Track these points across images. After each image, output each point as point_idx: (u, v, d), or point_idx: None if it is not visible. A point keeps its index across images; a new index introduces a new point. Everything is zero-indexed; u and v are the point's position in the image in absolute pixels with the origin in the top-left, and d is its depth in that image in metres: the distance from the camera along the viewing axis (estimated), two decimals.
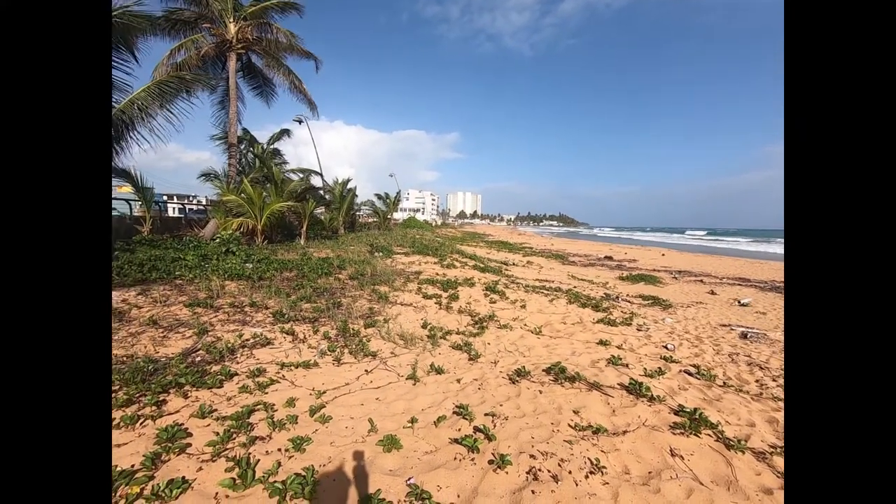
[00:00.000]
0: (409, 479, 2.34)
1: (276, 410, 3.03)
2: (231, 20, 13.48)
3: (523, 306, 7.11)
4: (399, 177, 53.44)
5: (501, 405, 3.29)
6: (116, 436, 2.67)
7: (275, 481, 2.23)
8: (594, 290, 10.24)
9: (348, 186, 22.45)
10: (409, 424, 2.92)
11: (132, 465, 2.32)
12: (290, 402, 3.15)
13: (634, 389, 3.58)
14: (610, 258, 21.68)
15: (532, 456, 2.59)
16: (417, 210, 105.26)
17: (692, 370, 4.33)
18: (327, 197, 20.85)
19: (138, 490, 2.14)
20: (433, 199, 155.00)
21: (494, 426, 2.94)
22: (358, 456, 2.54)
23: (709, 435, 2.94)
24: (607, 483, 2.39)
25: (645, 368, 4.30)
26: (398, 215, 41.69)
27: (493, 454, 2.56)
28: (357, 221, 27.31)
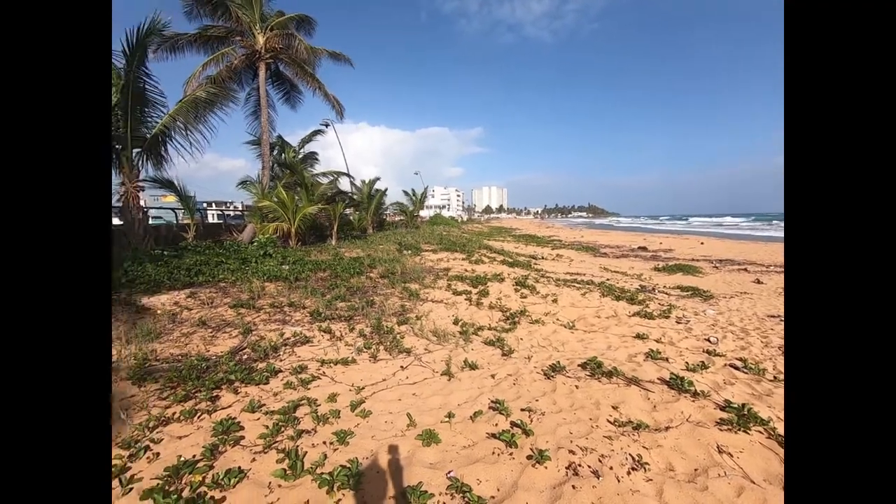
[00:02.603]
0: (450, 472, 2.40)
1: (320, 405, 3.17)
2: (259, 31, 14.01)
3: (555, 300, 7.02)
4: (423, 174, 53.82)
5: (537, 400, 3.28)
6: (177, 428, 2.89)
7: (322, 473, 2.35)
8: (628, 282, 9.93)
9: (376, 186, 22.85)
10: (447, 419, 2.97)
11: (193, 456, 2.51)
12: (332, 398, 3.29)
13: (676, 384, 3.47)
14: (644, 248, 20.90)
15: (571, 451, 2.58)
16: (443, 207, 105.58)
17: (738, 364, 4.13)
18: (356, 198, 21.31)
19: (201, 478, 2.32)
20: (458, 195, 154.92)
21: (531, 421, 2.94)
22: (399, 449, 2.62)
23: (759, 431, 2.81)
24: (651, 480, 2.34)
25: (687, 363, 4.15)
26: (424, 213, 42.00)
27: (531, 449, 2.57)
28: (385, 220, 27.76)
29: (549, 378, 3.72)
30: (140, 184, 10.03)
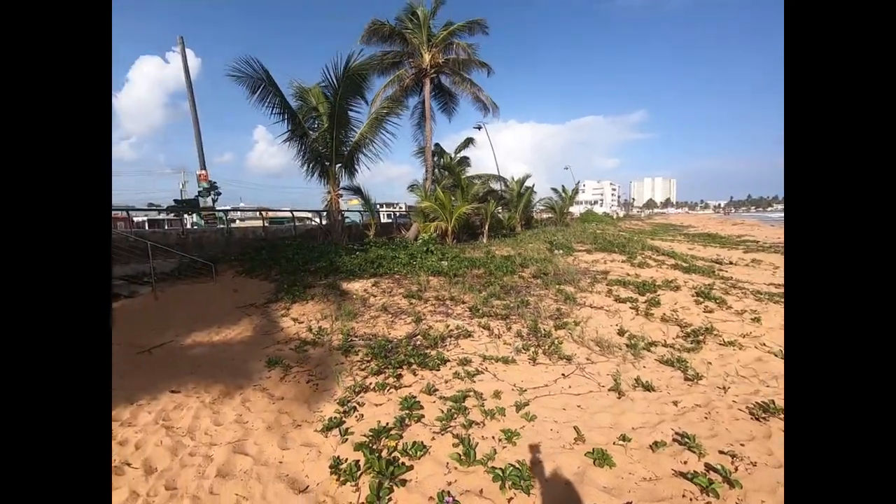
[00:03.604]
0: (628, 502, 2.18)
1: (485, 400, 3.34)
2: (426, 50, 15.66)
3: (756, 319, 5.58)
4: (574, 167, 50.80)
5: (743, 445, 2.66)
6: (374, 397, 3.50)
7: (494, 466, 2.46)
8: None
9: (526, 184, 22.76)
10: (621, 442, 2.71)
11: (387, 424, 2.99)
12: (496, 395, 3.42)
13: None
14: None
15: None
16: (595, 202, 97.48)
17: None
18: (505, 196, 21.69)
19: (394, 444, 2.74)
20: (613, 189, 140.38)
21: (735, 469, 2.41)
22: (568, 463, 2.53)
23: None
24: None
25: None
26: (574, 209, 39.58)
27: None
28: (532, 218, 27.40)
29: (758, 419, 2.97)
30: (340, 191, 12.59)
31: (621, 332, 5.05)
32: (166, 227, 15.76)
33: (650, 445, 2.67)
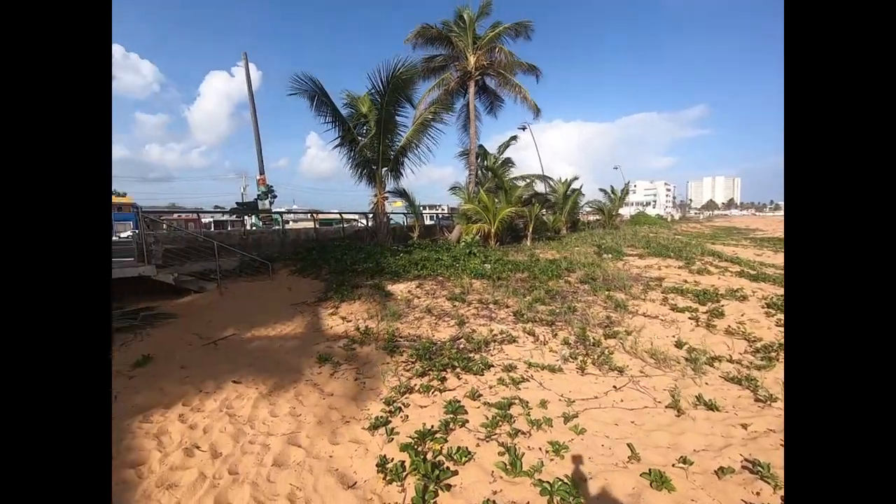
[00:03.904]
0: None
1: (531, 409, 3.25)
2: (471, 53, 15.68)
3: None
4: (625, 167, 48.27)
5: None
6: (419, 398, 3.54)
7: (541, 479, 2.39)
8: None
9: (572, 186, 22.03)
10: (681, 464, 2.52)
11: (432, 427, 3.00)
12: (543, 404, 3.32)
13: None
14: None
15: None
16: (647, 203, 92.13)
17: None
18: (550, 198, 21.13)
19: (439, 448, 2.75)
20: (668, 190, 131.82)
21: None
22: (622, 483, 2.39)
23: None
24: None
25: None
26: (624, 211, 37.65)
27: None
28: (578, 220, 26.44)
29: None
30: (386, 194, 12.94)
31: (679, 345, 4.70)
32: (229, 228, 17.11)
33: (715, 471, 2.45)
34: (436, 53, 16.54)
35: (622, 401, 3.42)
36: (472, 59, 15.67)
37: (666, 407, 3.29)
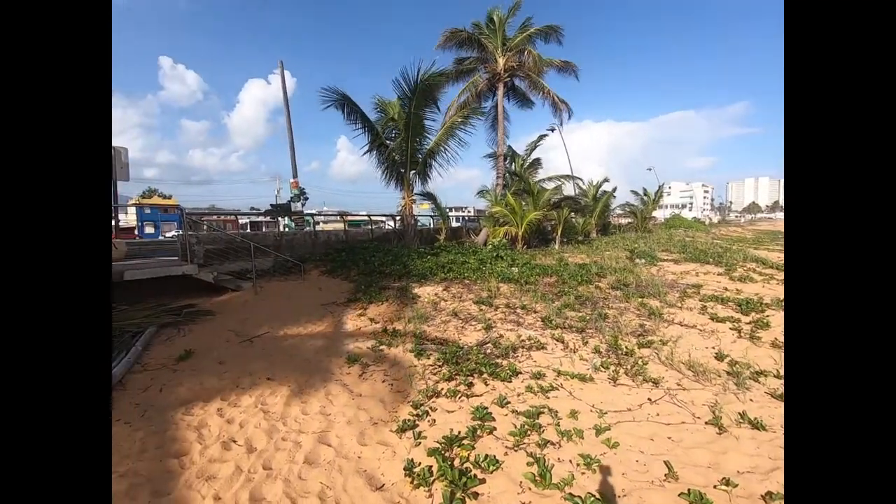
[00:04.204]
0: None
1: (561, 419, 3.17)
2: (500, 55, 15.60)
3: None
4: (660, 168, 46.46)
5: None
6: (446, 403, 3.53)
7: (571, 493, 2.32)
8: None
9: (603, 188, 21.43)
10: (724, 486, 2.37)
11: (459, 432, 2.99)
12: (573, 414, 3.23)
13: None
14: None
15: None
16: (683, 206, 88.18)
17: None
18: (581, 201, 20.66)
19: (467, 455, 2.73)
20: (706, 192, 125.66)
21: None
22: (659, 502, 2.28)
23: None
24: None
25: None
26: (658, 213, 36.18)
27: None
28: (609, 224, 25.65)
29: None
30: (414, 197, 13.08)
31: (720, 357, 4.45)
32: (263, 229, 17.82)
33: (762, 496, 2.29)
34: (465, 56, 16.58)
35: (658, 414, 3.27)
36: (501, 61, 15.60)
37: (706, 423, 3.12)
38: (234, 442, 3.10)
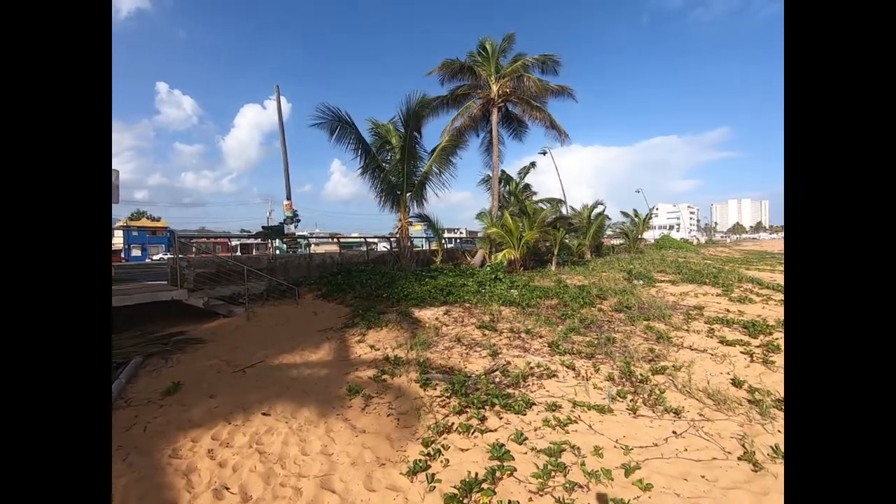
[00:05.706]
0: None
1: (585, 457, 2.95)
2: (494, 81, 15.99)
3: None
4: (645, 190, 47.51)
5: None
6: (458, 439, 3.28)
7: None
8: None
9: (596, 211, 21.69)
10: None
11: (476, 475, 2.74)
12: (597, 451, 3.01)
13: None
14: None
15: None
16: (671, 227, 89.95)
17: None
18: (574, 223, 20.83)
19: (488, 500, 2.48)
20: (691, 213, 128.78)
21: None
22: None
23: None
24: None
25: None
26: (647, 234, 36.70)
27: None
28: (602, 244, 25.85)
29: None
30: (410, 219, 12.99)
31: (737, 383, 4.29)
32: (254, 252, 17.47)
33: None
34: (460, 84, 16.95)
35: (686, 449, 3.07)
36: (494, 88, 15.96)
37: (738, 459, 2.92)
38: (227, 489, 2.79)
